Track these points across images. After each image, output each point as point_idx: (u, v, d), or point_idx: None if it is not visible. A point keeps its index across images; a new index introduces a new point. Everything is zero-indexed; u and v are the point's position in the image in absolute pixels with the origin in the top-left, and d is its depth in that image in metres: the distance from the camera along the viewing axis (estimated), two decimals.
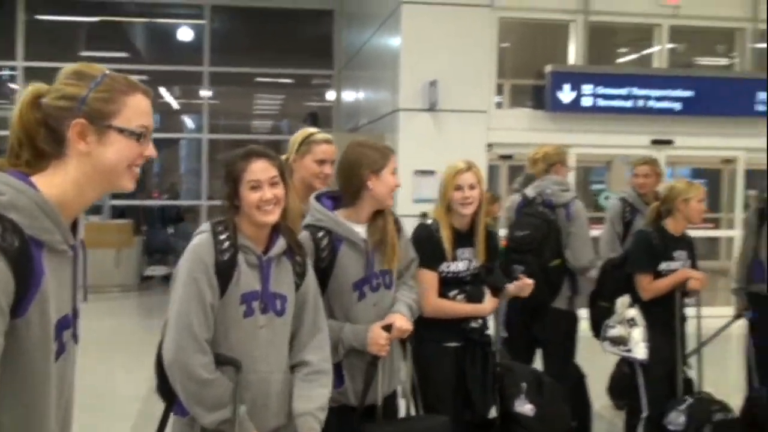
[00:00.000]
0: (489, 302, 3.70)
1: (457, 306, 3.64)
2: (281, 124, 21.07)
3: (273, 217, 2.57)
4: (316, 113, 13.69)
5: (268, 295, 2.59)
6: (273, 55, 14.55)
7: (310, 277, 2.74)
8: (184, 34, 14.57)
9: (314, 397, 2.64)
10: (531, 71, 10.79)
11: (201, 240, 2.55)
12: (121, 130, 1.61)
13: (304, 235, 2.96)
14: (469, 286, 3.68)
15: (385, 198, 3.08)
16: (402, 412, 3.37)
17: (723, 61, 11.28)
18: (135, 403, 6.07)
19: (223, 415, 2.48)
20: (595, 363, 5.40)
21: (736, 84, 10.00)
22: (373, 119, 10.79)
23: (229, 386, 2.49)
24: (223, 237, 2.55)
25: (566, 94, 9.61)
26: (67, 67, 1.63)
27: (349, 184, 3.09)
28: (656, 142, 9.96)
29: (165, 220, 15.11)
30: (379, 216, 3.13)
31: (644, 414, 4.47)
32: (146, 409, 5.78)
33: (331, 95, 14.97)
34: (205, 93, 14.37)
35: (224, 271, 2.52)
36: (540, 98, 10.17)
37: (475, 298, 3.67)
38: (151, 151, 1.67)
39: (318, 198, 3.14)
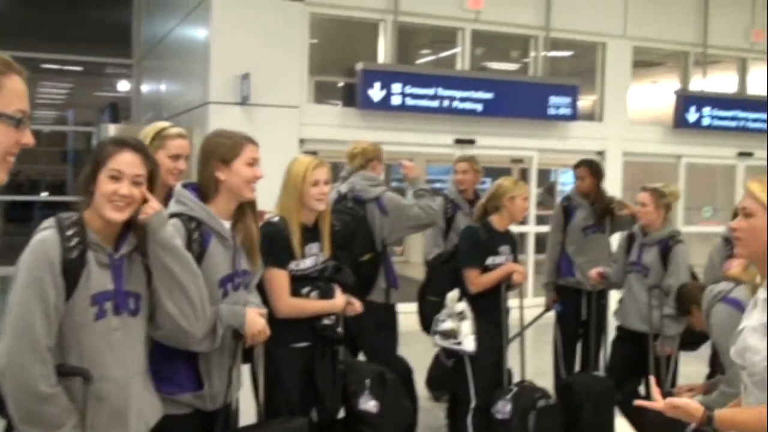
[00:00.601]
0: (340, 298, 3.64)
1: (311, 303, 3.55)
2: (66, 114, 19.80)
3: (121, 215, 2.38)
4: (116, 104, 12.97)
5: (122, 294, 2.41)
6: (60, 41, 13.59)
7: None
8: None
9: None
10: (343, 68, 10.87)
11: (45, 236, 2.31)
12: None
13: (174, 222, 2.75)
14: (319, 282, 3.62)
15: (240, 190, 2.91)
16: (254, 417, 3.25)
17: (518, 66, 11.95)
18: None
19: None
20: (413, 356, 5.51)
21: (531, 88, 10.63)
22: (180, 112, 10.40)
23: (68, 405, 2.28)
24: (70, 233, 2.32)
25: (377, 93, 9.77)
26: None
27: (203, 177, 2.94)
28: (459, 142, 10.38)
29: None
30: (246, 212, 2.98)
31: (472, 404, 4.62)
32: None
33: (127, 85, 14.26)
34: None
35: (72, 271, 2.30)
36: (351, 95, 10.28)
37: (327, 294, 3.60)
38: (28, 138, 1.48)
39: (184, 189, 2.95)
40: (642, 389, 5.10)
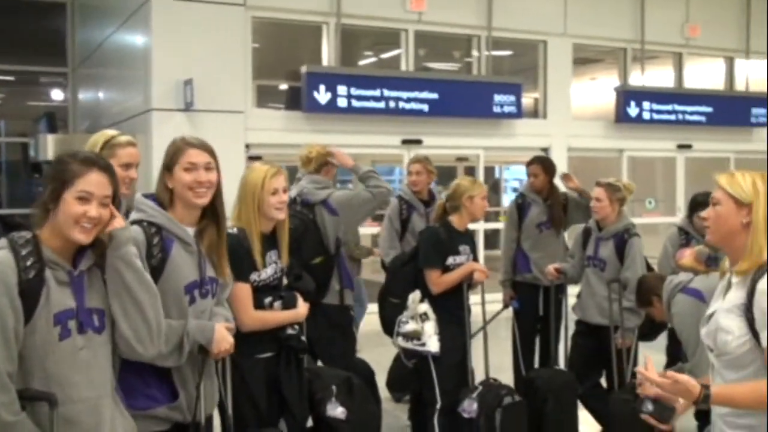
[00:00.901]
0: (303, 307, 3.56)
1: (275, 314, 3.46)
2: None
3: (88, 237, 2.30)
4: (54, 113, 12.61)
5: (85, 311, 2.31)
6: None
7: None
8: None
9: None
10: (286, 72, 10.78)
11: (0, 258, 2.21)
12: None
13: (135, 230, 2.66)
14: (280, 290, 3.54)
15: (185, 196, 2.80)
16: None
17: (462, 66, 12.00)
18: None
19: None
20: (373, 357, 5.48)
21: (475, 87, 10.69)
22: (120, 120, 10.16)
23: (35, 430, 2.19)
24: (25, 252, 2.22)
25: (322, 95, 9.70)
26: None
27: (157, 185, 2.88)
28: (406, 142, 10.39)
29: None
30: (210, 220, 2.89)
31: (438, 404, 4.59)
32: None
33: (62, 94, 13.88)
34: None
35: (30, 291, 2.20)
36: (295, 99, 10.20)
37: (290, 303, 3.52)
38: None
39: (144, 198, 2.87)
40: (603, 381, 5.17)
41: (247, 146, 9.36)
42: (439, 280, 4.60)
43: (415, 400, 5.24)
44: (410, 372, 5.00)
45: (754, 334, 2.33)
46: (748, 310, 2.34)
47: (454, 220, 4.72)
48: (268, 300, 3.44)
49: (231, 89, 9.30)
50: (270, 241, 3.53)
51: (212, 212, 2.88)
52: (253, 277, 3.40)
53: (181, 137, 2.95)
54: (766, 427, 2.35)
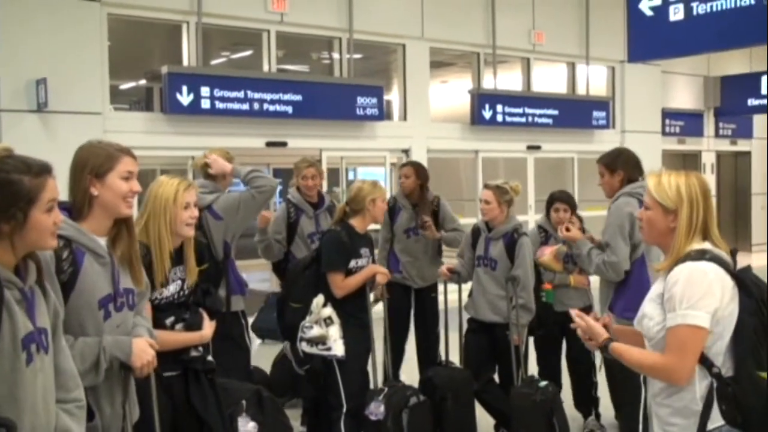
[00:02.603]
0: (208, 328, 3.43)
1: (175, 337, 3.31)
2: None
3: (56, 242, 2.14)
4: None
5: (38, 332, 2.15)
6: None
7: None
8: None
9: None
10: (144, 71, 10.37)
11: None
12: None
13: None
14: (186, 311, 3.40)
15: (116, 206, 2.72)
16: None
17: (323, 67, 12.00)
18: None
19: None
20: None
21: (338, 89, 10.72)
22: None
23: None
24: None
25: (184, 97, 9.40)
26: None
27: (74, 192, 2.72)
28: (271, 144, 10.27)
29: None
30: (123, 228, 2.77)
31: (344, 408, 4.58)
32: None
33: None
34: None
35: None
36: (153, 99, 9.83)
37: (194, 324, 3.38)
38: None
39: None
40: (496, 377, 5.34)
41: None
42: (342, 284, 4.60)
43: (310, 406, 5.21)
44: (294, 377, 4.98)
45: None
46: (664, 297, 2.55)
47: (356, 222, 4.73)
48: (169, 321, 3.30)
49: (87, 89, 8.83)
50: (176, 256, 3.41)
51: (124, 219, 2.78)
52: (154, 294, 3.25)
53: (104, 142, 2.84)
54: (688, 407, 2.52)
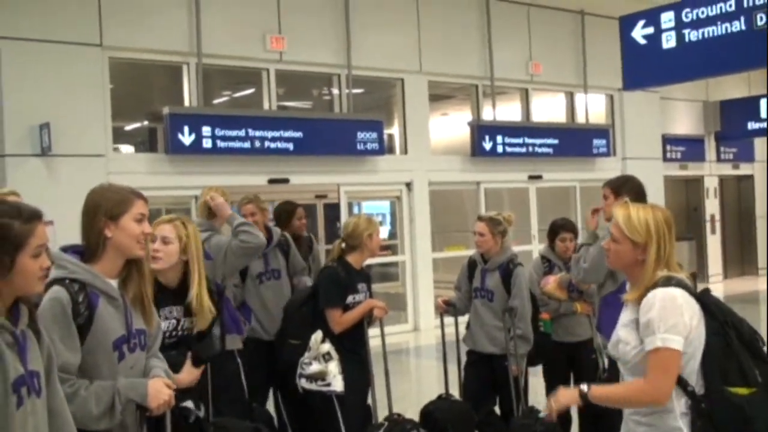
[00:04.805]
0: (186, 373, 3.31)
1: None
2: None
3: (43, 287, 2.21)
4: None
5: (29, 375, 2.19)
6: None
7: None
8: None
9: None
10: (146, 113, 10.51)
11: None
12: None
13: (56, 289, 2.59)
14: (174, 350, 3.37)
15: (129, 248, 2.78)
16: None
17: (323, 103, 12.13)
18: None
19: None
20: None
21: (338, 125, 10.84)
22: None
23: None
24: None
25: (186, 137, 9.52)
26: None
27: (88, 234, 2.77)
28: (273, 181, 10.35)
29: None
30: (134, 269, 2.83)
31: None
32: None
33: None
34: None
35: None
36: (156, 140, 9.96)
37: (175, 366, 3.25)
38: None
39: (64, 252, 2.76)
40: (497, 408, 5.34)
41: None
42: (340, 319, 4.64)
43: None
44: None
45: None
46: (639, 323, 2.67)
47: (352, 258, 4.78)
48: None
49: (90, 132, 8.98)
50: (174, 294, 3.44)
51: (135, 261, 2.83)
52: None
53: (116, 186, 2.92)
54: (670, 424, 2.63)
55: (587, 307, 5.49)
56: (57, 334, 2.54)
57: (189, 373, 3.33)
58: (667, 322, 2.57)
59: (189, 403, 3.28)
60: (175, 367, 3.27)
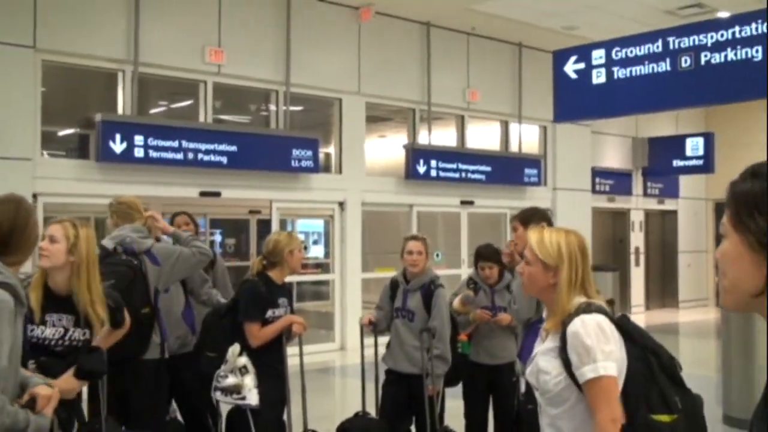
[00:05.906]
0: (64, 381, 3.17)
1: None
2: None
3: None
4: None
5: None
6: None
7: None
8: None
9: None
10: (78, 119, 10.33)
11: None
12: None
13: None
14: (54, 357, 3.31)
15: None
16: None
17: (260, 119, 12.11)
18: None
19: None
20: None
21: (274, 141, 10.84)
22: None
23: None
24: None
25: (117, 145, 9.41)
26: None
27: None
28: (205, 194, 10.28)
29: None
30: None
31: None
32: None
33: None
34: None
35: None
36: (85, 147, 9.81)
37: (50, 371, 3.16)
38: None
39: None
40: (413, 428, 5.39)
41: (35, 196, 8.85)
42: (258, 334, 4.65)
43: None
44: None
45: (570, 373, 2.60)
46: (562, 351, 2.61)
47: (274, 274, 4.80)
48: (31, 364, 3.15)
49: (17, 135, 8.80)
50: (60, 301, 3.37)
51: None
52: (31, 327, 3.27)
53: None
54: None
55: (483, 315, 5.55)
56: None
57: (66, 382, 3.19)
58: (604, 349, 2.54)
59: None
60: (51, 371, 3.16)
